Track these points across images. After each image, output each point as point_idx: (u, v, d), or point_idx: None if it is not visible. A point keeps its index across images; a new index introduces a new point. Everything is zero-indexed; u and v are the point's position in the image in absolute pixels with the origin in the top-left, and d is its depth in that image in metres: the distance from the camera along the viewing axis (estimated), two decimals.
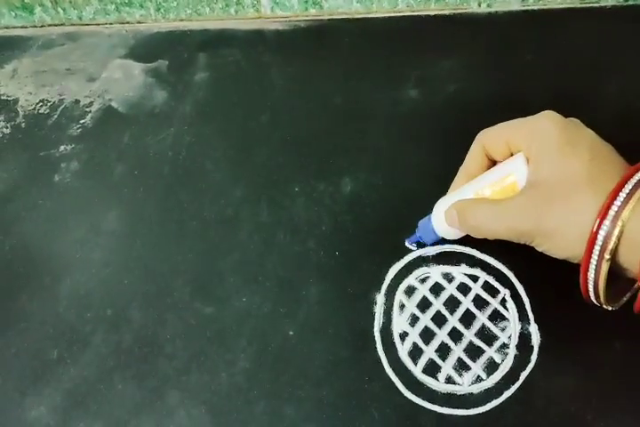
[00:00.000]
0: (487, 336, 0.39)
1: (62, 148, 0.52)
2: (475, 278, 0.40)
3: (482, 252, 0.42)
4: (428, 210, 0.42)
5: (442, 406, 0.37)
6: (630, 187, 0.30)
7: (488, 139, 0.38)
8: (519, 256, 0.41)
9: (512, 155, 0.37)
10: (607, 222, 0.30)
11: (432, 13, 0.53)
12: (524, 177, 0.35)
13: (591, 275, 0.31)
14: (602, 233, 0.30)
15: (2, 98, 0.57)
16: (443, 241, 0.41)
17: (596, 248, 0.30)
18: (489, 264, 0.41)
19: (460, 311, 0.39)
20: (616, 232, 0.30)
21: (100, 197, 0.49)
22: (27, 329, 0.43)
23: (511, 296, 0.40)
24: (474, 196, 0.37)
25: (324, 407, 0.38)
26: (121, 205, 0.48)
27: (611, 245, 0.30)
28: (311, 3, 0.54)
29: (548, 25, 0.51)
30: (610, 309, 0.33)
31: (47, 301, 0.44)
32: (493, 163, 0.39)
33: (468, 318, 0.39)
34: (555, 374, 0.37)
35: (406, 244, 0.42)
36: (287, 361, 0.40)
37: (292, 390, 0.39)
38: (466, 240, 0.41)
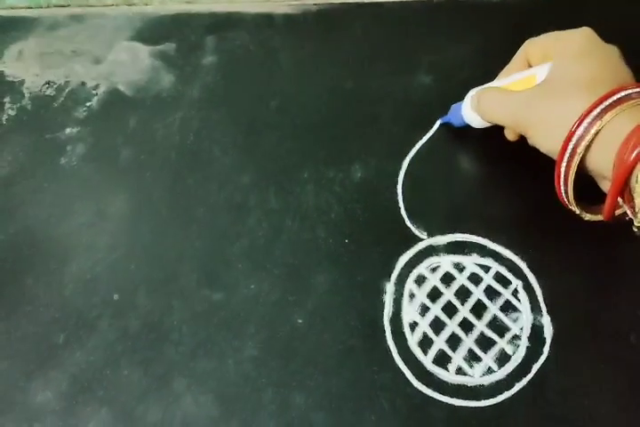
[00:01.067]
0: (499, 327, 0.38)
1: (68, 130, 0.51)
2: (486, 269, 0.40)
3: (493, 241, 0.41)
4: (436, 198, 0.41)
5: (452, 397, 0.37)
6: (622, 95, 0.32)
7: (530, 46, 0.40)
8: (532, 246, 0.41)
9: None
10: (588, 120, 0.32)
11: None
12: (543, 77, 0.38)
13: (562, 168, 0.34)
14: (580, 129, 0.32)
15: (7, 79, 0.56)
16: (468, 128, 0.44)
17: (571, 143, 0.33)
18: (501, 254, 0.41)
19: (470, 302, 0.39)
20: (592, 130, 0.32)
21: (106, 182, 0.48)
22: (32, 312, 0.43)
23: (523, 287, 0.39)
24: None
25: (332, 397, 0.38)
26: (127, 189, 0.47)
27: (585, 141, 0.32)
28: None
29: (565, 10, 0.50)
30: (584, 217, 0.36)
31: (53, 285, 0.44)
32: None
33: (479, 309, 0.39)
34: (567, 366, 0.37)
35: (438, 121, 0.46)
36: (295, 350, 0.39)
37: (300, 378, 0.38)
38: (477, 229, 0.41)
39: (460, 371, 0.37)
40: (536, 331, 0.38)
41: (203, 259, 0.43)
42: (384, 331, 0.39)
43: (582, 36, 0.37)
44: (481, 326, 0.38)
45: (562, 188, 0.35)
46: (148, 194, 0.47)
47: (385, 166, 0.45)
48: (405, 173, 0.45)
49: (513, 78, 0.40)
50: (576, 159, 0.33)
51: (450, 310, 0.39)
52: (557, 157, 0.34)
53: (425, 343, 0.38)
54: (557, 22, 0.49)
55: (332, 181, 0.45)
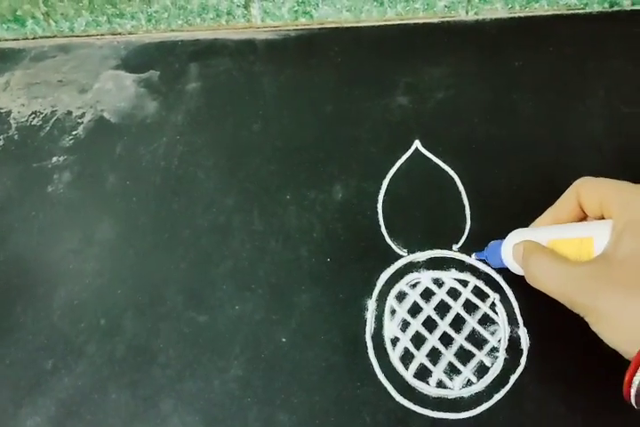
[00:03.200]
0: (477, 340, 0.39)
1: (55, 159, 0.52)
2: (465, 283, 0.41)
3: (471, 256, 0.42)
4: (415, 215, 0.42)
5: (433, 410, 0.37)
6: None
7: (584, 190, 0.35)
8: None
9: (602, 215, 0.35)
10: None
11: (420, 22, 0.54)
12: (602, 246, 0.32)
13: (637, 380, 0.29)
14: None
15: None
16: (507, 269, 0.38)
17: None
18: (478, 269, 0.41)
19: (450, 316, 0.40)
20: None
21: (92, 208, 0.49)
22: (21, 340, 0.43)
23: (500, 300, 0.40)
24: (547, 243, 0.35)
25: (316, 413, 0.38)
26: (114, 215, 0.48)
27: None
28: (301, 12, 0.55)
29: (536, 31, 0.51)
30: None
31: (41, 311, 0.44)
32: (583, 213, 0.36)
33: (458, 323, 0.40)
34: (544, 376, 0.37)
35: (472, 256, 0.42)
36: (280, 368, 0.40)
37: (284, 396, 0.39)
38: (455, 245, 0.42)
39: (440, 384, 0.38)
40: (513, 343, 0.39)
41: (188, 281, 0.44)
42: (366, 347, 0.40)
43: None
44: (460, 340, 0.39)
45: (632, 398, 0.30)
46: (133, 219, 0.48)
47: (365, 186, 0.46)
48: (385, 193, 0.45)
49: (563, 232, 0.35)
50: None
51: (430, 324, 0.40)
52: (634, 360, 0.29)
53: (406, 358, 0.39)
54: (530, 43, 0.51)
55: (313, 201, 0.46)
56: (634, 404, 0.30)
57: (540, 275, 0.34)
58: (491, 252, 0.39)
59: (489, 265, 0.41)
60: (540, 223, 0.38)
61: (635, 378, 0.29)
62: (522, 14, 0.52)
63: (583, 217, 0.36)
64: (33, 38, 0.62)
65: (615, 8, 0.51)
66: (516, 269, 0.37)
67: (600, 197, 0.34)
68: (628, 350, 0.29)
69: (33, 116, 0.56)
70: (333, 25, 0.55)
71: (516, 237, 0.37)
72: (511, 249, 0.37)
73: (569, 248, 0.34)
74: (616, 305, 0.30)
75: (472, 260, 0.42)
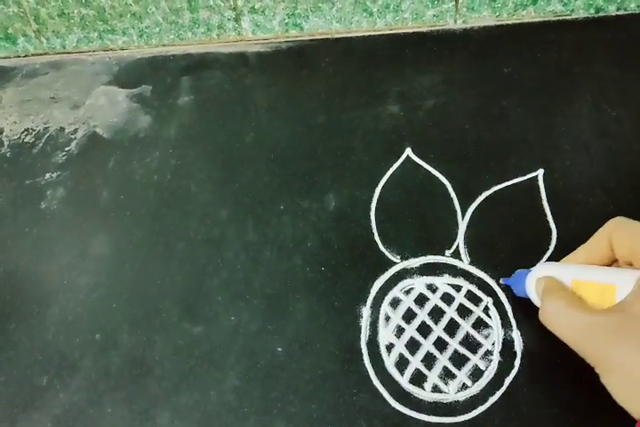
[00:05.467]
0: (471, 344, 0.39)
1: (48, 175, 0.52)
2: (458, 288, 0.41)
3: (463, 261, 0.42)
4: (408, 222, 0.42)
5: (429, 414, 0.37)
6: None
7: (615, 234, 0.35)
8: (500, 264, 0.42)
9: (631, 262, 0.35)
10: None
11: (410, 31, 0.54)
12: (624, 295, 0.32)
13: None
14: None
15: None
16: (529, 299, 0.38)
17: None
18: (471, 273, 0.41)
19: (444, 321, 0.40)
20: None
21: (86, 223, 0.49)
22: (15, 357, 0.43)
23: (494, 304, 0.40)
24: (571, 283, 0.35)
25: (313, 422, 0.38)
26: (108, 229, 0.48)
27: None
28: (291, 24, 0.55)
29: (523, 38, 0.52)
30: None
31: (35, 328, 0.44)
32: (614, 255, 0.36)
33: (452, 327, 0.40)
34: (538, 378, 0.37)
35: (500, 281, 0.41)
36: (276, 377, 0.40)
37: (281, 405, 0.39)
38: (447, 250, 0.42)
39: (435, 389, 0.38)
40: (507, 345, 0.39)
41: (183, 293, 0.44)
42: (361, 354, 0.40)
43: None
44: (454, 344, 0.39)
45: None
46: (128, 233, 0.48)
47: (358, 195, 0.46)
48: (378, 201, 0.46)
49: (589, 274, 0.35)
50: None
51: (424, 329, 0.40)
52: None
53: (401, 364, 0.39)
54: (518, 50, 0.51)
55: (307, 211, 0.46)
56: None
57: (555, 318, 0.33)
58: (516, 280, 0.39)
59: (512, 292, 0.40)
60: (571, 260, 0.37)
61: None
62: (509, 22, 0.53)
63: (615, 259, 0.36)
64: (24, 56, 0.62)
65: (601, 14, 0.52)
66: (536, 301, 0.37)
67: (631, 245, 0.33)
68: (636, 408, 0.29)
69: (25, 133, 0.56)
70: (324, 36, 0.56)
71: (543, 270, 0.37)
72: (534, 282, 0.36)
73: (591, 292, 0.34)
74: (628, 360, 0.29)
75: (465, 265, 0.42)
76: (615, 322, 0.30)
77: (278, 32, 0.56)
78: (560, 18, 0.52)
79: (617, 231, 0.35)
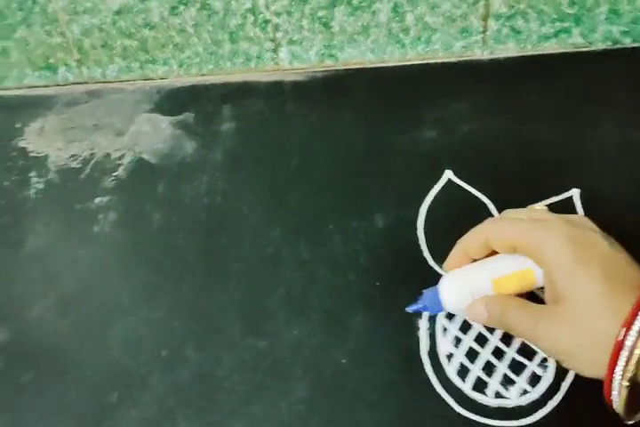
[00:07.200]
0: (527, 352, 0.42)
1: (98, 200, 0.55)
2: None
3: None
4: (455, 239, 0.45)
5: (494, 418, 0.40)
6: None
7: (493, 234, 0.37)
8: None
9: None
10: (630, 338, 0.30)
11: (440, 61, 0.58)
12: (541, 274, 0.36)
13: (615, 398, 0.32)
14: (623, 354, 0.30)
15: (31, 155, 0.60)
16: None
17: (618, 369, 0.31)
18: None
19: (499, 331, 0.42)
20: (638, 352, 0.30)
21: (140, 245, 0.51)
22: (80, 376, 0.46)
23: None
24: (492, 283, 0.37)
25: None
26: (162, 251, 0.51)
27: (633, 361, 0.30)
28: (327, 55, 0.59)
29: (547, 68, 0.55)
30: (629, 422, 0.34)
31: (98, 347, 0.47)
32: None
33: (507, 337, 0.42)
34: (593, 381, 0.40)
35: (407, 310, 0.41)
36: (342, 387, 0.42)
37: (349, 414, 0.41)
38: None
39: (497, 394, 0.40)
40: None
41: (244, 310, 0.46)
42: (422, 363, 0.42)
43: (563, 241, 0.34)
44: (511, 353, 0.41)
45: (615, 404, 0.33)
46: (183, 254, 0.50)
47: (404, 214, 0.49)
48: (424, 219, 0.48)
49: (501, 269, 0.37)
50: (624, 391, 0.31)
51: (481, 340, 0.42)
52: (605, 383, 0.32)
53: (462, 372, 0.41)
54: (543, 79, 0.55)
55: (356, 230, 0.49)
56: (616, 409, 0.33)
57: (518, 322, 0.36)
58: (429, 301, 0.40)
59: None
60: (455, 261, 0.40)
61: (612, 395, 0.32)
62: (533, 53, 0.56)
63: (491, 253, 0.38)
64: (64, 85, 0.65)
65: (618, 45, 0.55)
66: (462, 311, 0.39)
67: (512, 243, 0.36)
68: (600, 372, 0.33)
69: (71, 159, 0.58)
70: (358, 66, 0.59)
71: (451, 283, 0.39)
72: (453, 296, 0.38)
73: (513, 282, 0.37)
74: (577, 341, 0.33)
75: None
76: (555, 315, 0.34)
77: (314, 62, 0.59)
78: (580, 49, 0.56)
79: (492, 233, 0.38)
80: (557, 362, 0.37)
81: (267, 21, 0.57)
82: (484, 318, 0.37)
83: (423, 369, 0.42)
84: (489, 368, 0.41)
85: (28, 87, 0.66)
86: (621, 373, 0.31)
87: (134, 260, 0.51)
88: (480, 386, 0.41)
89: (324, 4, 0.56)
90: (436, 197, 0.50)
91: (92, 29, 0.60)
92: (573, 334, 0.33)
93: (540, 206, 0.40)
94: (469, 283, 0.38)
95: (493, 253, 0.39)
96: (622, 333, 0.31)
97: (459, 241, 0.40)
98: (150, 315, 0.48)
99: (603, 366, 0.32)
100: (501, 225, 0.38)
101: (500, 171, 0.50)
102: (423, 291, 0.41)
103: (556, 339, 0.34)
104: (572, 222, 0.36)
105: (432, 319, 0.44)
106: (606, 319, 0.32)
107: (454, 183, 0.50)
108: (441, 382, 0.41)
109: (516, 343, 0.42)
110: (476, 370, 0.41)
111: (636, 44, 0.55)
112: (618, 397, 0.32)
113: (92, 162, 0.58)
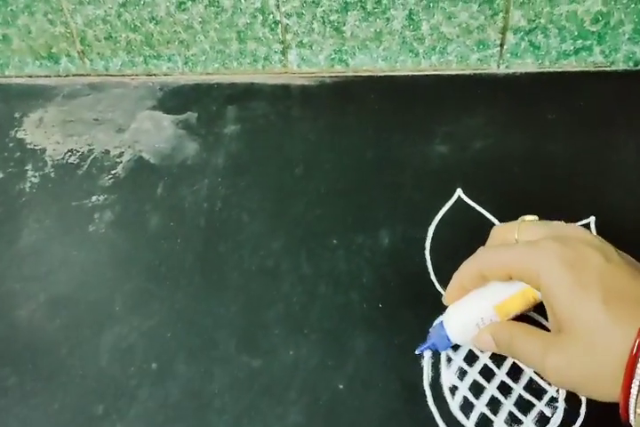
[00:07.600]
0: (536, 390, 0.40)
1: (95, 198, 0.53)
2: None
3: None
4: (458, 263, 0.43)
5: None
6: None
7: (485, 265, 0.36)
8: None
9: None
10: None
11: (453, 73, 0.56)
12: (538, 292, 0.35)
13: (632, 413, 0.30)
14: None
15: (28, 147, 0.58)
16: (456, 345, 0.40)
17: (633, 391, 0.29)
18: (532, 317, 0.43)
19: (506, 365, 0.41)
20: None
21: (136, 248, 0.50)
22: (68, 383, 0.43)
23: None
24: (495, 310, 0.36)
25: None
26: (158, 256, 0.49)
27: None
28: (337, 60, 0.57)
29: (565, 86, 0.54)
30: None
31: (88, 354, 0.45)
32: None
33: (515, 372, 0.40)
34: (603, 422, 0.39)
35: (417, 351, 0.41)
36: (339, 415, 0.40)
37: None
38: None
39: None
40: (572, 393, 0.39)
41: (239, 324, 0.45)
42: (425, 395, 0.40)
43: (558, 263, 0.33)
44: (519, 389, 0.40)
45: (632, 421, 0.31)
46: (180, 260, 0.48)
47: (411, 233, 0.47)
48: (432, 239, 0.47)
49: (500, 294, 0.37)
50: None
51: (487, 373, 0.41)
52: (621, 400, 0.30)
53: (466, 407, 0.40)
54: (561, 97, 0.53)
55: (361, 246, 0.47)
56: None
57: (530, 360, 0.35)
58: (436, 338, 0.39)
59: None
60: (454, 294, 0.39)
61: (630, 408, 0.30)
62: (551, 69, 0.55)
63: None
64: (65, 76, 0.63)
65: (639, 66, 0.54)
66: (470, 342, 0.38)
67: (507, 270, 0.35)
68: (615, 394, 0.31)
69: (69, 153, 0.57)
70: (368, 73, 0.57)
71: (457, 317, 0.38)
72: (460, 329, 0.38)
73: (515, 304, 0.36)
74: (587, 368, 0.32)
75: None
76: (561, 344, 0.33)
77: (323, 66, 0.58)
78: (600, 69, 0.55)
79: (485, 262, 0.36)
80: (570, 391, 0.36)
81: (276, 22, 0.55)
82: (491, 347, 0.37)
83: (425, 402, 0.40)
84: (494, 405, 0.40)
85: (29, 77, 0.64)
86: (636, 394, 0.29)
87: (129, 263, 0.49)
88: (484, 423, 0.39)
89: (336, 8, 0.54)
90: (444, 217, 0.48)
91: (96, 20, 0.57)
92: (582, 364, 0.32)
93: (531, 217, 0.39)
94: (473, 313, 0.37)
95: None
96: (636, 346, 0.29)
97: (454, 275, 0.39)
98: (142, 323, 0.46)
99: (616, 385, 0.30)
100: (492, 254, 0.37)
101: (512, 191, 0.49)
102: (429, 330, 0.41)
103: (565, 374, 0.32)
104: (562, 239, 0.34)
105: None
106: (614, 345, 0.30)
107: (464, 203, 0.48)
108: (443, 416, 0.40)
109: (524, 379, 0.40)
110: (480, 406, 0.40)
111: None
112: (634, 415, 0.30)
113: (91, 158, 0.56)
